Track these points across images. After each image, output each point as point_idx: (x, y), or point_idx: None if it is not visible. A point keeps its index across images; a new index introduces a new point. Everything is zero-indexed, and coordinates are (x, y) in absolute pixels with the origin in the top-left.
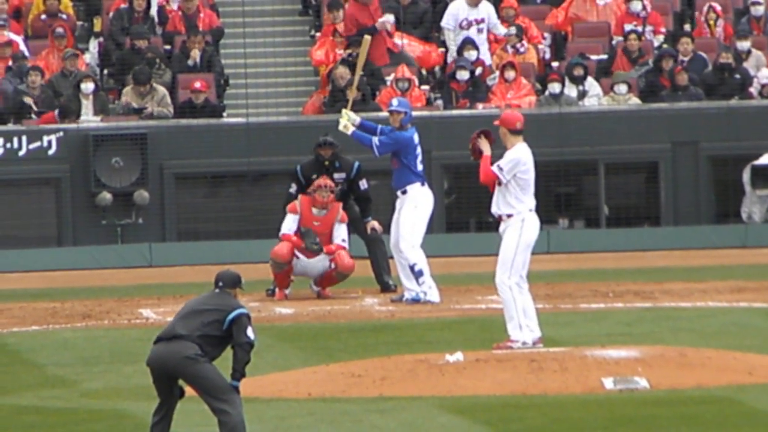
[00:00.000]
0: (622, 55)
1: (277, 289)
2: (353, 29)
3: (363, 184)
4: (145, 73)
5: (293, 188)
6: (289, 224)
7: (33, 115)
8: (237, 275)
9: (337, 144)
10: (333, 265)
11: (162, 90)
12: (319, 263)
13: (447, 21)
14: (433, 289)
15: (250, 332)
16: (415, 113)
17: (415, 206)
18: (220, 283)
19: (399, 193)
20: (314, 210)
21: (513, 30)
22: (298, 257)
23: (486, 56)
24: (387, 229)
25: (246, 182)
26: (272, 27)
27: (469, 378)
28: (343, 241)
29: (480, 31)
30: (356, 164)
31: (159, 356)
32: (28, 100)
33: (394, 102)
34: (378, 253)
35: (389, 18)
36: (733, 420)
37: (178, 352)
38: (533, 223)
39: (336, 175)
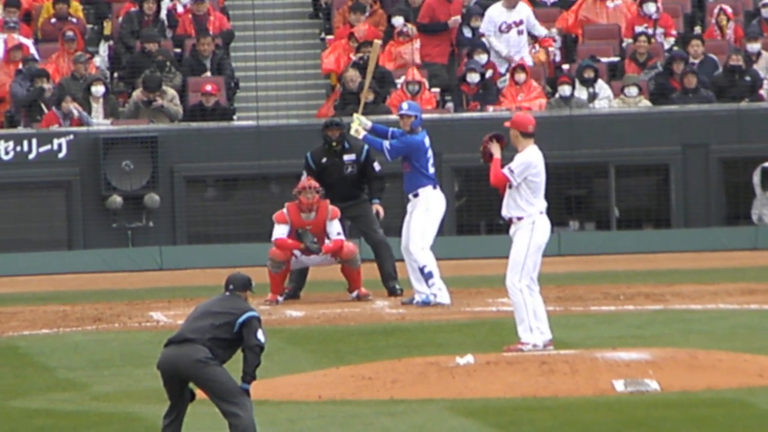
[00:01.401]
0: (631, 61)
1: (270, 293)
2: (426, 19)
3: (376, 165)
4: (155, 81)
5: (305, 177)
6: (280, 232)
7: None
8: (247, 278)
9: (345, 124)
10: (338, 260)
11: (171, 92)
12: (317, 257)
13: (486, 26)
14: (444, 291)
15: (260, 335)
16: (425, 116)
17: (427, 209)
18: (231, 286)
19: (411, 196)
20: (303, 215)
21: (554, 32)
22: (296, 256)
23: (528, 58)
24: (396, 232)
25: (257, 185)
26: (282, 30)
27: (479, 381)
28: (339, 234)
29: (520, 33)
30: (366, 146)
31: (169, 359)
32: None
33: (404, 105)
34: (385, 257)
35: (458, 18)
36: (744, 422)
37: (189, 356)
38: (544, 225)
39: (346, 157)
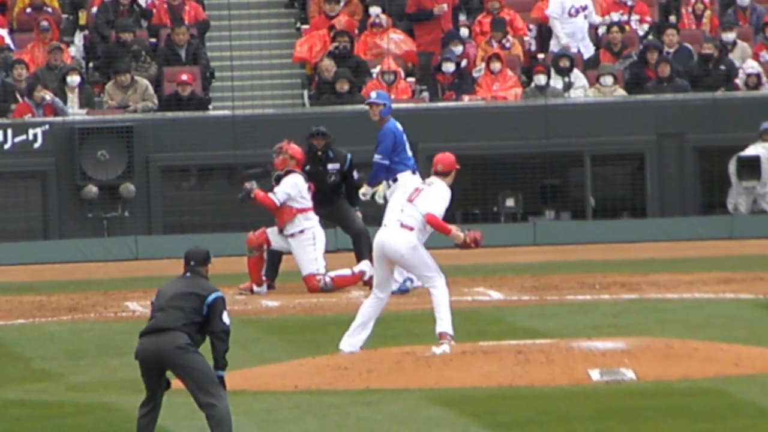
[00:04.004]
0: (605, 50)
1: (250, 282)
2: (413, 8)
3: (356, 174)
4: (125, 62)
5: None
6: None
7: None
8: (206, 251)
9: (330, 134)
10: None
11: (144, 82)
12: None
13: (553, 9)
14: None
15: (225, 318)
16: (400, 105)
17: (405, 191)
18: (192, 262)
19: (390, 182)
20: None
21: (608, 18)
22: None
23: (589, 47)
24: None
25: (232, 174)
26: (258, 20)
27: (455, 370)
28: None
29: (586, 18)
30: (349, 156)
31: (150, 348)
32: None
33: (373, 94)
34: (363, 247)
35: (443, 6)
36: (720, 411)
37: (170, 343)
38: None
39: (330, 166)
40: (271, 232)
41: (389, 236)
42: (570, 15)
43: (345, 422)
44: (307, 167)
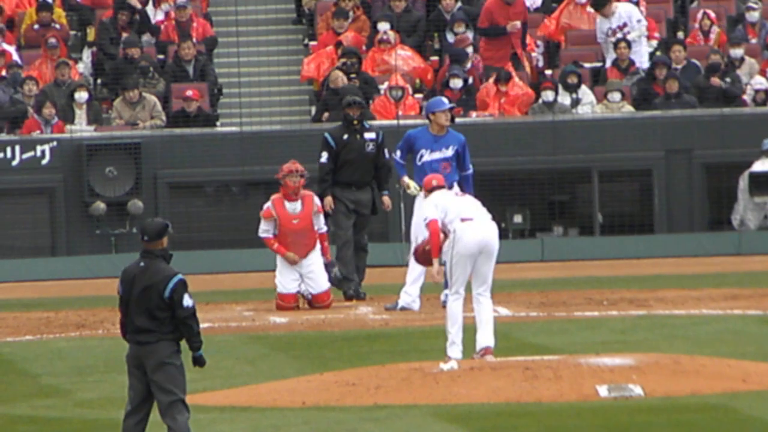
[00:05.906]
0: (613, 66)
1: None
2: (485, 23)
3: (386, 152)
4: (133, 78)
5: (324, 157)
6: (265, 227)
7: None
8: (161, 224)
9: (365, 104)
10: (309, 295)
11: (152, 99)
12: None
13: (600, 36)
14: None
15: (186, 301)
16: (408, 122)
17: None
18: (145, 237)
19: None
20: (287, 205)
21: (646, 41)
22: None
23: (644, 59)
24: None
25: (240, 191)
26: (266, 36)
27: (463, 386)
28: (320, 229)
29: (625, 35)
30: (381, 131)
31: (135, 356)
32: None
33: (445, 99)
34: (358, 262)
35: (517, 23)
36: (728, 427)
37: (154, 356)
38: (466, 234)
39: (366, 135)
40: (286, 284)
41: (491, 231)
42: (608, 36)
43: None
44: (345, 136)
